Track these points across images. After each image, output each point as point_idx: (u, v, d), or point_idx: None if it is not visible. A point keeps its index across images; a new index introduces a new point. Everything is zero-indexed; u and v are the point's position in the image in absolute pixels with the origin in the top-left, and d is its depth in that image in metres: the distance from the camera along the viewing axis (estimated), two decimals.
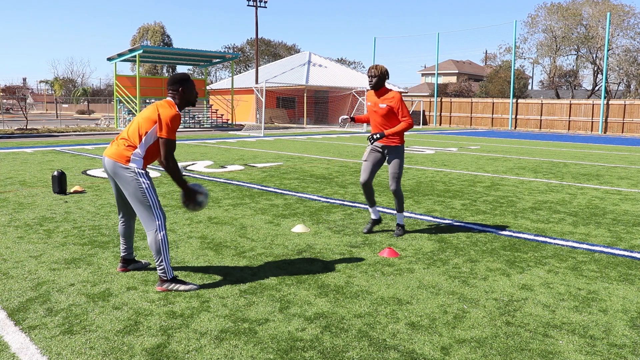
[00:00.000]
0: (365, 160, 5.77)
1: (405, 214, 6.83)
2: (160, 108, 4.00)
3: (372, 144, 5.67)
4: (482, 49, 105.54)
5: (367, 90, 5.72)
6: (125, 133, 4.07)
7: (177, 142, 16.06)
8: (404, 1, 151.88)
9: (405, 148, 16.90)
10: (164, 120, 3.94)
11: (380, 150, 5.72)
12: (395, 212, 6.05)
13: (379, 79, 5.52)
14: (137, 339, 3.19)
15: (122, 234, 4.36)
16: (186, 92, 4.12)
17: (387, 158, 5.75)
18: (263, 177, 10.01)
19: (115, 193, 4.26)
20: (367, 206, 6.92)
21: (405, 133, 5.61)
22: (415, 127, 36.82)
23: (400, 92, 43.06)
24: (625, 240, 5.66)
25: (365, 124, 30.19)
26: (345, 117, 6.03)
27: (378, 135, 5.55)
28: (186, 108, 32.56)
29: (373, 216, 5.90)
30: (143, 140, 3.99)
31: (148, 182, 3.99)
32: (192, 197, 4.14)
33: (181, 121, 4.11)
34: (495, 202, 7.75)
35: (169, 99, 4.13)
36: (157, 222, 3.97)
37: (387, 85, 41.88)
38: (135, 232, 5.70)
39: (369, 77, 5.57)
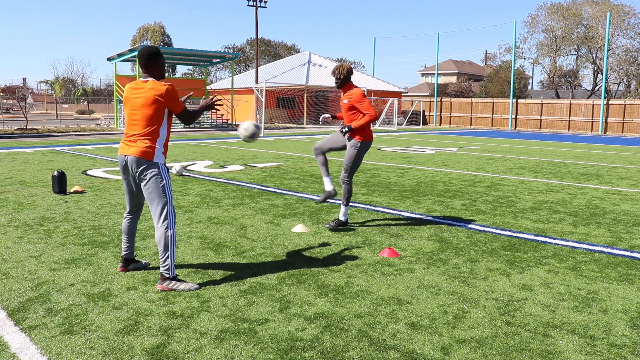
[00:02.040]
0: (328, 135, 6.15)
1: (405, 214, 6.83)
2: (158, 91, 3.98)
3: (343, 136, 6.04)
4: (482, 49, 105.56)
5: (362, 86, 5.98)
6: (138, 128, 4.03)
7: (177, 142, 15.86)
8: (404, 1, 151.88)
9: (393, 148, 16.92)
10: (172, 98, 4.01)
11: (346, 138, 6.07)
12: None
13: (340, 81, 5.91)
14: (137, 339, 3.19)
15: (126, 231, 4.37)
16: (162, 65, 4.15)
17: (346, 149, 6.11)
18: (263, 177, 10.01)
19: (127, 190, 4.26)
20: (337, 203, 6.95)
21: (370, 131, 5.85)
22: (415, 127, 36.81)
23: (400, 92, 43.06)
24: (625, 240, 5.66)
25: None
26: (327, 115, 6.29)
27: (346, 129, 5.87)
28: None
29: (327, 187, 6.13)
30: (161, 129, 4.04)
31: (168, 178, 4.08)
32: (211, 107, 4.37)
33: None
34: (495, 202, 7.75)
35: (148, 78, 4.08)
36: (169, 219, 4.01)
37: (385, 85, 41.85)
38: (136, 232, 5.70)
39: (334, 78, 5.98)
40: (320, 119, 6.36)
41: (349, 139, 5.96)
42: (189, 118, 4.17)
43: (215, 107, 4.41)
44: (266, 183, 9.28)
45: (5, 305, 3.68)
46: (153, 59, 4.07)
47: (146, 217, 6.30)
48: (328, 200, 6.19)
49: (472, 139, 24.03)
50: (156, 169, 4.01)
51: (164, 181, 4.02)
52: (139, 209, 4.36)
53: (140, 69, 4.19)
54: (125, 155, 4.07)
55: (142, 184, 4.04)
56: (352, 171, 5.99)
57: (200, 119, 31.96)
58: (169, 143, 16.64)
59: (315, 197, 7.30)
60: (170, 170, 10.35)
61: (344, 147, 6.11)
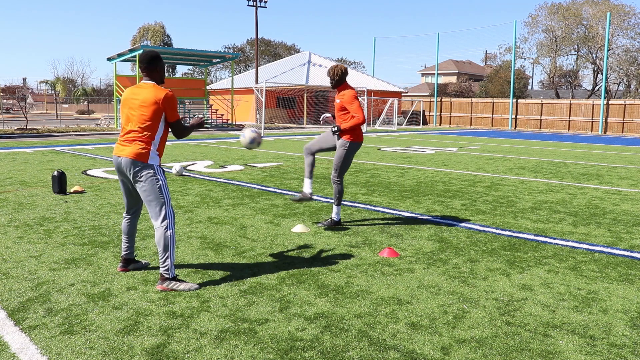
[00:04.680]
0: (319, 135, 6.18)
1: (405, 214, 6.83)
2: (159, 95, 4.00)
3: (333, 135, 6.10)
4: (482, 49, 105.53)
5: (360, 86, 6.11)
6: (133, 131, 4.03)
7: (177, 142, 15.92)
8: (404, 1, 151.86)
9: (393, 148, 16.90)
10: (170, 104, 4.03)
11: (336, 137, 6.13)
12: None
13: (336, 82, 5.97)
14: (137, 339, 3.19)
15: (126, 232, 4.37)
16: (162, 69, 4.18)
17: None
18: (263, 177, 10.01)
19: (124, 192, 4.27)
20: (330, 202, 7.04)
21: (359, 131, 5.92)
22: (415, 127, 36.81)
23: (400, 92, 43.06)
24: (625, 240, 5.66)
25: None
26: (328, 115, 6.38)
27: (335, 129, 5.93)
28: (186, 108, 32.40)
29: (305, 189, 6.27)
30: (157, 132, 4.04)
31: (164, 179, 4.06)
32: (202, 126, 4.45)
33: None
34: (495, 202, 7.75)
35: (149, 81, 4.10)
36: (167, 220, 4.01)
37: (385, 85, 41.86)
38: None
39: (329, 78, 6.04)
40: (321, 119, 6.41)
41: (339, 138, 6.01)
42: (181, 131, 4.18)
43: (205, 126, 4.45)
44: (266, 183, 9.28)
45: (5, 305, 3.68)
46: (154, 62, 4.11)
47: (146, 217, 6.30)
48: (302, 200, 6.31)
49: (472, 139, 24.03)
50: (151, 171, 4.00)
51: (160, 182, 4.01)
52: (138, 209, 4.36)
53: (140, 72, 4.20)
54: (120, 157, 4.06)
55: (138, 185, 4.04)
56: (341, 171, 6.02)
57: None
58: (168, 143, 16.61)
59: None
60: (170, 171, 10.36)
61: (334, 147, 6.16)
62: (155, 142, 4.06)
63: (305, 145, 6.27)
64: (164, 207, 4.00)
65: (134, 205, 4.32)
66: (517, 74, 41.88)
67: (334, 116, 6.38)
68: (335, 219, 6.06)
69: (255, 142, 4.89)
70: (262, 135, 23.71)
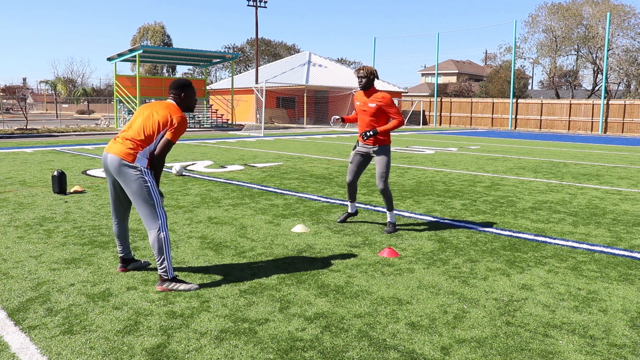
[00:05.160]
0: (351, 162, 6.07)
1: (405, 214, 6.84)
2: (172, 112, 4.06)
3: (365, 140, 5.80)
4: (482, 49, 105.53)
5: (356, 90, 5.89)
6: (130, 133, 4.05)
7: (177, 142, 16.06)
8: (404, 1, 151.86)
9: (393, 148, 16.92)
10: (178, 125, 4.05)
11: (364, 152, 5.95)
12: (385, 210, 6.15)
13: (368, 80, 5.68)
14: (137, 339, 3.19)
15: (117, 235, 4.37)
16: (187, 98, 4.23)
17: (373, 157, 5.95)
18: (263, 177, 10.01)
19: (111, 193, 4.24)
20: (336, 204, 6.98)
21: (392, 133, 5.73)
22: (415, 127, 36.83)
23: (400, 92, 43.07)
24: (625, 240, 5.66)
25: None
26: (337, 117, 6.22)
27: (371, 133, 5.67)
28: None
29: (350, 210, 6.27)
30: (154, 143, 4.03)
31: (152, 181, 4.02)
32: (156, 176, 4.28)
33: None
34: (495, 202, 7.75)
35: (173, 102, 4.19)
36: (159, 222, 3.98)
37: (385, 85, 41.86)
38: (135, 232, 5.70)
39: (358, 77, 5.71)
40: (332, 121, 6.26)
41: (377, 151, 5.81)
42: (164, 155, 4.08)
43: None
44: (266, 183, 9.28)
45: (5, 305, 3.68)
46: (179, 90, 4.19)
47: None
48: (347, 218, 6.29)
49: (472, 139, 24.03)
50: (138, 172, 3.97)
51: (148, 184, 3.97)
52: (125, 211, 4.31)
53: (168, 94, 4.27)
54: (108, 154, 4.05)
55: (125, 186, 4.01)
56: (387, 176, 5.88)
57: (200, 118, 31.96)
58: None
59: (314, 197, 7.30)
60: (170, 171, 10.36)
61: (366, 163, 6.06)
62: (146, 150, 4.02)
63: (347, 181, 6.12)
64: (154, 209, 3.98)
65: (119, 208, 4.28)
66: (517, 74, 41.88)
67: (342, 119, 6.26)
68: (393, 222, 5.92)
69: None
70: (262, 135, 23.75)
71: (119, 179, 4.02)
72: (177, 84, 4.21)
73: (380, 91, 5.76)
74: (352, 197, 6.23)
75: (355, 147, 6.05)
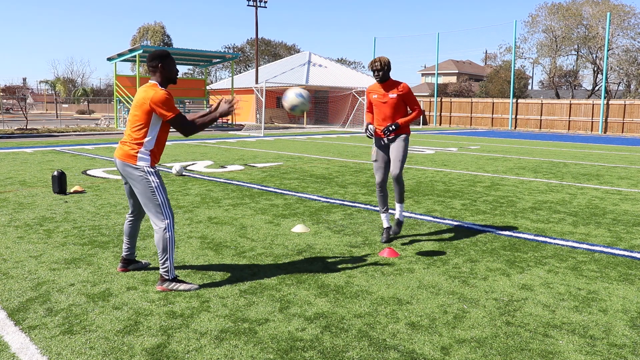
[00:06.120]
0: (375, 161, 5.63)
1: (405, 214, 6.82)
2: (148, 95, 3.92)
3: (387, 135, 5.44)
4: (482, 49, 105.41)
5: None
6: (128, 130, 4.06)
7: (177, 142, 15.83)
8: (404, 1, 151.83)
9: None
10: (159, 104, 3.88)
11: (386, 146, 5.58)
12: (393, 211, 5.78)
13: (384, 72, 5.37)
14: (137, 339, 3.19)
15: (127, 232, 4.37)
16: (165, 69, 4.03)
17: (391, 145, 5.53)
18: (263, 177, 10.01)
19: (127, 191, 4.28)
20: (378, 208, 6.28)
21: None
22: (415, 127, 36.85)
23: None
24: (625, 240, 5.66)
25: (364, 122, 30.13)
26: (373, 127, 5.58)
27: (394, 127, 5.36)
28: (186, 108, 32.32)
29: (385, 224, 5.63)
30: (148, 133, 3.98)
31: (158, 180, 4.01)
32: (228, 113, 4.23)
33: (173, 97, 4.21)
34: (495, 202, 7.75)
35: (150, 81, 4.07)
36: (166, 221, 3.98)
37: None
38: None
39: (374, 71, 5.40)
40: (370, 132, 5.54)
41: (394, 138, 5.48)
42: (184, 127, 3.99)
43: (235, 112, 4.31)
44: (266, 183, 9.28)
45: (5, 305, 3.68)
46: (155, 61, 4.02)
47: (146, 216, 6.29)
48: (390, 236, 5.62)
49: (472, 139, 24.03)
50: (142, 173, 3.97)
51: (152, 183, 3.97)
52: (140, 211, 4.35)
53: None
54: (116, 158, 4.10)
55: (133, 187, 4.05)
56: (403, 165, 5.51)
57: None
58: (168, 143, 16.57)
59: (315, 197, 7.26)
60: (170, 171, 10.36)
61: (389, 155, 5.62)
62: (146, 143, 3.99)
63: (377, 181, 5.62)
64: (160, 208, 3.98)
65: (135, 205, 4.32)
66: (517, 74, 41.88)
67: (371, 125, 5.61)
68: (401, 220, 5.61)
69: (296, 107, 4.45)
70: (262, 135, 23.74)
71: (128, 180, 4.08)
72: (152, 56, 4.03)
73: (399, 81, 5.49)
74: (384, 203, 5.66)
75: (375, 143, 5.64)
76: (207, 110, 4.27)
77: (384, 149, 5.59)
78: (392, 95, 5.42)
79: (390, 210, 5.95)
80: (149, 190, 3.97)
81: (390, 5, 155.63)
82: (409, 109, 5.59)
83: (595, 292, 4.09)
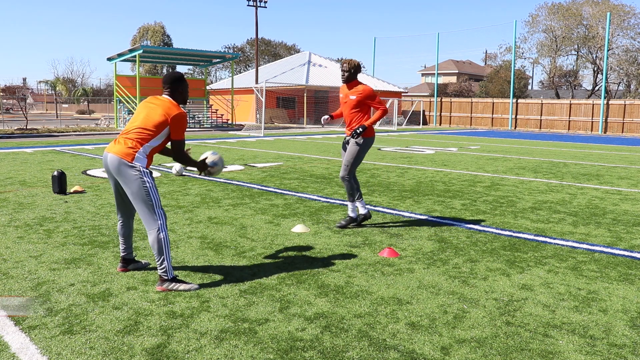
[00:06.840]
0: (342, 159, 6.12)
1: (405, 214, 6.83)
2: (168, 110, 4.06)
3: (356, 139, 5.88)
4: (482, 49, 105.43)
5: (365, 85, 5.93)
6: (133, 131, 4.06)
7: None
8: (404, 1, 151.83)
9: (393, 148, 16.93)
10: (177, 123, 4.08)
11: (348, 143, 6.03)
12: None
13: (350, 74, 5.82)
14: (137, 339, 3.19)
15: (121, 234, 4.37)
16: (184, 91, 4.25)
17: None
18: (263, 177, 10.01)
19: (114, 192, 4.26)
20: (337, 203, 7.12)
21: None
22: (415, 127, 36.85)
23: (400, 92, 43.05)
24: (625, 240, 5.66)
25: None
26: (326, 117, 6.26)
27: (360, 129, 5.79)
28: (186, 108, 32.33)
29: (350, 214, 6.02)
30: (152, 140, 4.04)
31: (151, 181, 4.01)
32: (205, 168, 4.51)
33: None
34: (495, 202, 7.75)
35: (169, 98, 4.19)
36: (159, 222, 3.98)
37: (385, 85, 41.85)
38: (135, 232, 5.70)
39: (342, 71, 5.89)
40: (322, 122, 6.33)
41: (348, 138, 5.94)
42: (179, 153, 4.20)
43: (205, 174, 4.54)
44: (266, 183, 9.28)
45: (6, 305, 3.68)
46: (176, 83, 4.20)
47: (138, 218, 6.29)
48: (348, 226, 6.04)
49: (472, 139, 24.03)
50: (136, 172, 3.96)
51: (147, 184, 3.97)
52: (130, 210, 4.32)
53: (163, 90, 4.26)
54: (108, 154, 4.06)
55: (124, 187, 4.02)
56: (352, 168, 5.92)
57: (200, 118, 31.96)
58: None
59: (314, 197, 7.29)
60: (170, 171, 10.36)
61: None
62: (146, 147, 4.03)
63: (341, 174, 6.01)
64: (153, 209, 3.98)
65: (123, 206, 4.29)
66: (517, 74, 41.88)
67: (330, 116, 6.34)
68: (352, 216, 6.01)
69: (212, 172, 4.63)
70: (262, 135, 23.74)
71: (119, 179, 4.02)
72: (171, 79, 4.21)
73: (362, 84, 5.89)
74: (351, 196, 6.05)
75: (343, 143, 6.13)
76: (193, 159, 4.42)
77: (346, 148, 6.04)
78: (352, 96, 5.87)
79: (379, 208, 5.97)
80: (143, 191, 3.96)
81: (390, 5, 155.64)
82: (372, 111, 6.00)
83: (595, 292, 4.09)
